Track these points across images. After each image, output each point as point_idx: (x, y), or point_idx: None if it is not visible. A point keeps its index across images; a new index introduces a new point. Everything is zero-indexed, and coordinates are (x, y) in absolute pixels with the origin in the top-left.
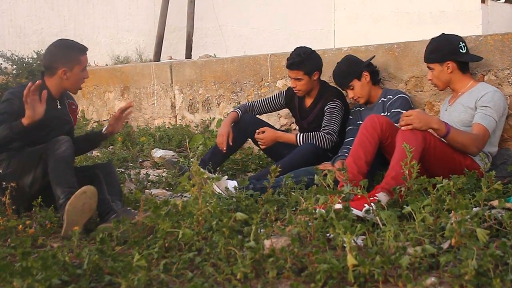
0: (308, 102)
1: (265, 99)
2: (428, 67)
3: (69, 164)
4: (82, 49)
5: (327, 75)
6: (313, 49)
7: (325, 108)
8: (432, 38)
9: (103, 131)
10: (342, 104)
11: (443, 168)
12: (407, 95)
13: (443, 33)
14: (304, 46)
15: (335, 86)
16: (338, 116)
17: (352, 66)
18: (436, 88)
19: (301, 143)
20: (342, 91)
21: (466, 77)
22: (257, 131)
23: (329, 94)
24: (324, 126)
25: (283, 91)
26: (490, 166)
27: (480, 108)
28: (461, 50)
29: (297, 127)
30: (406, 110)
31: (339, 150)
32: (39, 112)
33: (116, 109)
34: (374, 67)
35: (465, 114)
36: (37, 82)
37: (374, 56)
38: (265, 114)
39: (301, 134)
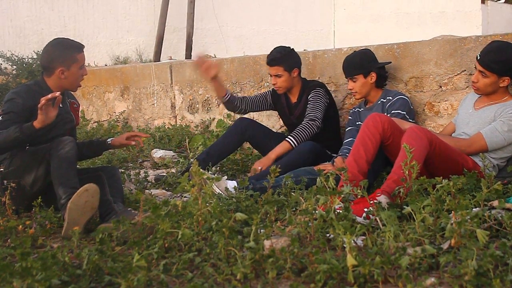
0: (294, 98)
1: (255, 96)
2: (481, 71)
3: (72, 164)
4: (79, 47)
5: (327, 75)
6: (312, 49)
7: (308, 97)
8: (498, 45)
9: (108, 141)
10: (325, 91)
11: (446, 171)
12: (406, 96)
13: (510, 43)
14: (283, 45)
15: (318, 81)
16: (320, 102)
17: (365, 62)
18: (476, 91)
19: (296, 143)
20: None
21: (507, 91)
22: (254, 169)
23: (311, 86)
24: (307, 114)
25: (269, 90)
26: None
27: (497, 120)
28: None
29: (287, 127)
30: (406, 111)
31: (339, 151)
32: (51, 117)
33: (116, 110)
34: (384, 72)
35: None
36: (56, 94)
37: (391, 62)
38: (264, 115)
39: (290, 136)
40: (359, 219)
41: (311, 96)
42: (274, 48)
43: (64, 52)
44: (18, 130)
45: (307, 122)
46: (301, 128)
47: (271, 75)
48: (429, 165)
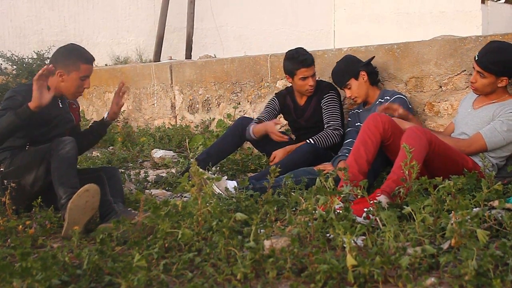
0: (302, 100)
1: (267, 111)
2: (479, 71)
3: (73, 164)
4: (86, 58)
5: (326, 75)
6: (312, 49)
7: (322, 103)
8: (496, 46)
9: (105, 118)
10: (337, 95)
11: (446, 171)
12: (404, 95)
13: (508, 43)
14: (298, 47)
15: (325, 80)
16: (337, 108)
17: (350, 65)
18: (474, 91)
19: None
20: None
21: (505, 90)
22: (271, 158)
23: (322, 87)
24: (328, 123)
25: (274, 97)
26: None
27: (496, 120)
28: None
29: (292, 129)
30: (404, 110)
31: (339, 151)
32: (46, 98)
33: None
34: (373, 68)
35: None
36: (50, 66)
37: (374, 57)
38: None
39: (312, 140)
40: (359, 219)
41: (326, 101)
42: (297, 51)
43: (69, 57)
44: (13, 113)
45: (332, 132)
46: (324, 135)
47: (306, 77)
48: (429, 165)
